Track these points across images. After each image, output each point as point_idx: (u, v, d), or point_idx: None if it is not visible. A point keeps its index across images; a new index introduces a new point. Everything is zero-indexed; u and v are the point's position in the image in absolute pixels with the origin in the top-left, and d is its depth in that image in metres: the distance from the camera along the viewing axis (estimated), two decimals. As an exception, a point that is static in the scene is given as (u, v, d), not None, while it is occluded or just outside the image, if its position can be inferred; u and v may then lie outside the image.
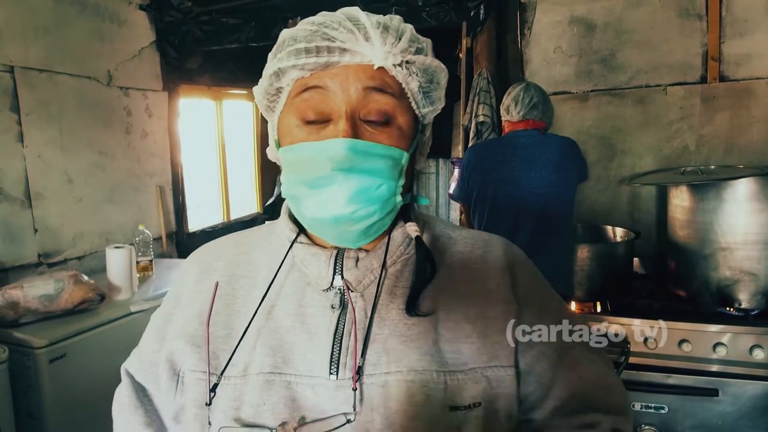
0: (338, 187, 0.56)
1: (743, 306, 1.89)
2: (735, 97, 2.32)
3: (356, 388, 0.58)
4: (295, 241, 0.67)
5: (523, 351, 0.64)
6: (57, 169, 2.40)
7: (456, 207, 3.50)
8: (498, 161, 2.01)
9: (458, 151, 2.94)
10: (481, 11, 2.57)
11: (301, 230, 0.68)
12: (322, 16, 0.60)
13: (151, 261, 2.55)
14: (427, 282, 0.63)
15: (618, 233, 2.38)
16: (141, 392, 0.72)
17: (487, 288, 0.65)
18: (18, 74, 2.21)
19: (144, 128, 2.90)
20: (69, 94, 2.45)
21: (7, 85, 2.17)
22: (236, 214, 4.16)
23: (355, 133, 0.56)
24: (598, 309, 2.09)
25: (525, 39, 2.61)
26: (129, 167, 2.81)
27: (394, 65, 0.58)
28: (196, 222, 3.48)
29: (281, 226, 0.70)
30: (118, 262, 2.15)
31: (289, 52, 0.59)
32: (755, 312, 1.88)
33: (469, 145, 2.59)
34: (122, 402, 0.73)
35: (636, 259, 2.40)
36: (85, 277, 2.02)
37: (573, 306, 2.09)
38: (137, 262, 2.45)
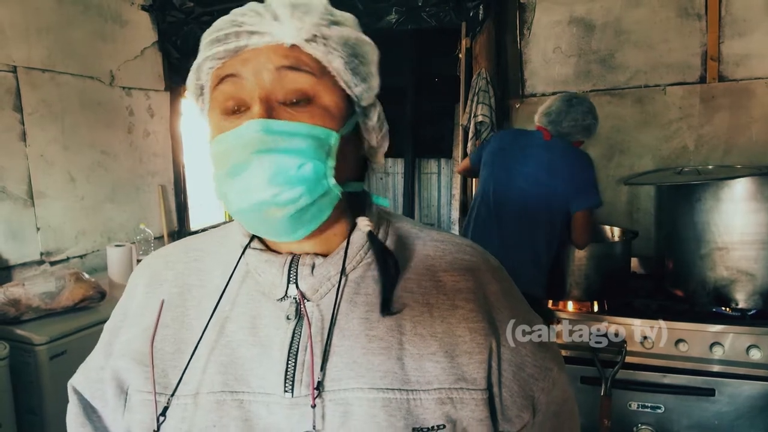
0: (255, 170, 0.51)
1: (740, 306, 1.89)
2: (734, 97, 2.32)
3: (315, 405, 0.54)
4: (247, 246, 0.62)
5: (498, 373, 0.60)
6: (59, 168, 2.42)
7: (456, 207, 3.50)
8: (512, 147, 2.12)
9: (458, 151, 2.95)
10: (481, 11, 2.57)
11: (255, 234, 0.62)
12: (239, 8, 0.57)
13: (152, 259, 2.57)
14: (395, 279, 0.59)
15: (616, 233, 2.39)
16: (89, 409, 0.68)
17: (456, 302, 0.60)
18: (21, 74, 2.23)
19: (146, 128, 2.92)
20: (71, 93, 2.47)
21: (10, 84, 2.19)
22: (238, 214, 4.16)
23: (270, 115, 0.53)
24: (596, 308, 2.09)
25: (524, 39, 2.62)
26: (131, 166, 2.83)
27: (307, 41, 0.54)
28: (198, 221, 3.50)
29: (234, 231, 0.65)
30: (118, 260, 2.17)
31: (204, 46, 0.57)
32: (752, 312, 1.88)
33: (468, 146, 2.61)
34: (70, 420, 0.69)
35: (635, 259, 2.40)
36: (86, 275, 2.04)
37: (570, 306, 2.09)
38: (138, 261, 2.47)
